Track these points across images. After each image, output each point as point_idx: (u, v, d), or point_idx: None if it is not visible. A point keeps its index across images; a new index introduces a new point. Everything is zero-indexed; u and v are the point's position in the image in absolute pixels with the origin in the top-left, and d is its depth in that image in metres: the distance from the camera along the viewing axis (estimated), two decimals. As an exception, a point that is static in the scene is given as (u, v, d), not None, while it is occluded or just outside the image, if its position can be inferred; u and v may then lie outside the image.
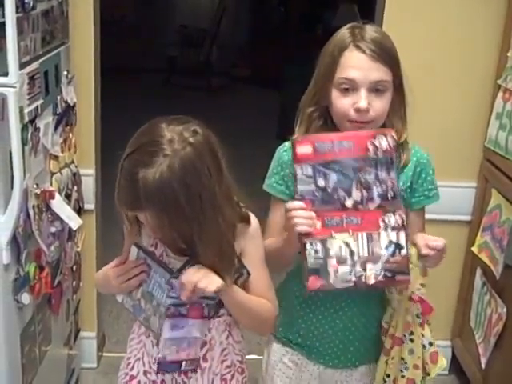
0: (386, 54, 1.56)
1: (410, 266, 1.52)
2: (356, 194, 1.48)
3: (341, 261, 1.48)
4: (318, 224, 1.47)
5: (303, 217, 1.46)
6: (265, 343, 1.88)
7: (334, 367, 1.74)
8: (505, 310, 2.24)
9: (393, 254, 1.48)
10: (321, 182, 1.47)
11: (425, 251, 1.52)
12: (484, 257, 2.44)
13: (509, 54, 2.38)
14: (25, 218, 1.84)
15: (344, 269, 1.48)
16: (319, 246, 1.48)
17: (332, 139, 1.47)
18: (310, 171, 1.47)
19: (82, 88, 2.43)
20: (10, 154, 1.71)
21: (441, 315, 2.77)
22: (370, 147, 1.48)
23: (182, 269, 1.39)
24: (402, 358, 1.62)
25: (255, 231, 1.53)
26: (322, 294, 1.69)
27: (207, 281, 1.37)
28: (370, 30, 1.59)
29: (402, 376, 1.63)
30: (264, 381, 1.84)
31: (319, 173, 1.47)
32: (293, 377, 1.77)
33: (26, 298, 1.85)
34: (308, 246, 1.48)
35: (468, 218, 2.70)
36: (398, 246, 1.49)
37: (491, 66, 2.52)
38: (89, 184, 2.55)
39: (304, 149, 1.47)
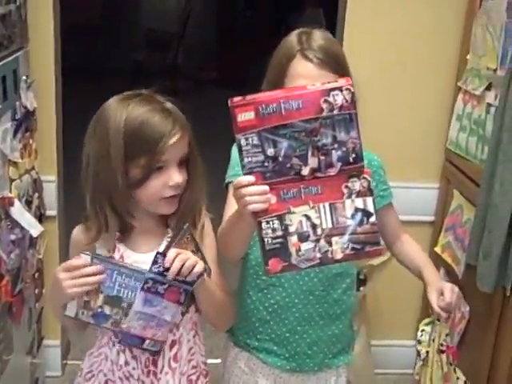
0: (334, 61, 1.55)
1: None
2: (312, 161, 1.31)
3: (302, 237, 1.33)
4: (273, 199, 1.31)
5: (255, 193, 1.30)
6: (222, 348, 1.88)
7: (291, 371, 1.74)
8: (468, 308, 2.26)
9: (360, 223, 1.34)
10: (270, 151, 1.30)
11: (443, 315, 1.52)
12: (447, 257, 2.46)
13: (468, 57, 2.41)
14: (-17, 225, 1.81)
15: (307, 246, 1.34)
16: (276, 224, 1.32)
17: (277, 99, 1.28)
18: (255, 140, 1.29)
19: (42, 93, 2.41)
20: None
21: (405, 314, 2.80)
22: (324, 105, 1.29)
23: (169, 246, 1.36)
24: None
25: (209, 228, 1.55)
26: (280, 293, 1.68)
27: (195, 260, 1.36)
28: (317, 37, 1.58)
29: None
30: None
31: (267, 140, 1.29)
32: (248, 381, 1.77)
33: (-15, 307, 1.82)
34: (264, 225, 1.32)
35: (431, 218, 2.72)
36: (366, 214, 1.34)
37: (452, 68, 2.54)
38: (51, 190, 2.52)
39: (245, 115, 1.28)
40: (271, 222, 1.32)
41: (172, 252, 1.34)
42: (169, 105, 1.45)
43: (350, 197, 1.34)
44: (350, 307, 1.78)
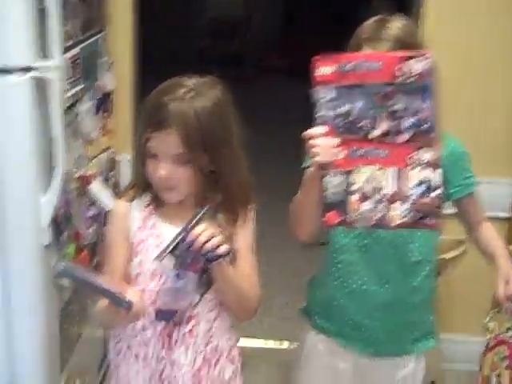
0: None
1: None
2: (383, 125, 1.32)
3: (363, 197, 1.35)
4: (341, 154, 1.33)
5: (324, 145, 1.33)
6: (298, 332, 1.89)
7: (370, 356, 1.74)
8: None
9: (423, 194, 1.34)
10: (344, 108, 1.32)
11: (504, 303, 1.52)
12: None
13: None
14: (65, 200, 1.87)
15: (366, 206, 1.35)
16: (341, 179, 1.35)
17: (358, 58, 1.31)
18: (331, 95, 1.31)
19: (119, 75, 2.46)
20: (52, 138, 1.74)
21: (475, 311, 2.73)
22: (402, 71, 1.30)
23: (186, 228, 1.37)
24: None
25: (252, 215, 1.53)
26: (356, 281, 1.69)
27: (221, 240, 1.36)
28: (392, 26, 1.55)
29: None
30: (299, 368, 1.85)
31: (342, 97, 1.32)
32: (328, 364, 1.78)
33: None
34: (328, 178, 1.35)
35: (506, 214, 2.65)
36: (430, 185, 1.34)
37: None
38: (125, 169, 2.58)
39: (325, 69, 1.31)
40: (336, 177, 1.35)
41: (200, 227, 1.35)
42: (180, 104, 1.38)
43: (417, 166, 1.33)
44: (430, 294, 1.77)
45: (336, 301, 1.73)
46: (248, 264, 1.50)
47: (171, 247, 1.36)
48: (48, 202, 1.75)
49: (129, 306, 1.33)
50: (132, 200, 1.52)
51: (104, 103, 2.29)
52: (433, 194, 1.34)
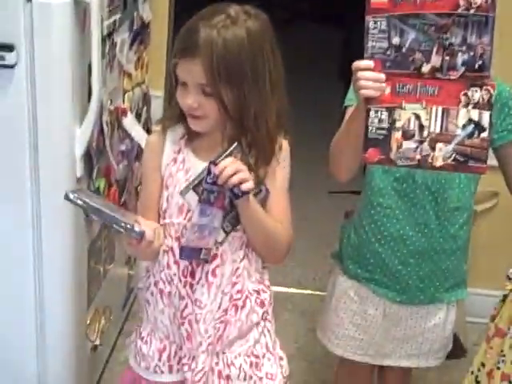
0: None
1: None
2: (436, 59, 1.26)
3: (407, 135, 1.30)
4: (388, 89, 1.28)
5: (371, 79, 1.27)
6: (319, 279, 1.86)
7: (401, 303, 1.73)
8: None
9: (470, 136, 1.29)
10: (395, 40, 1.26)
11: None
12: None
13: None
14: (98, 133, 1.82)
15: (409, 144, 1.30)
16: (385, 115, 1.30)
17: None
18: (383, 25, 1.25)
19: (157, 6, 2.38)
20: (89, 67, 1.68)
21: (503, 266, 2.70)
22: (461, 2, 1.23)
23: (223, 155, 1.32)
24: (502, 351, 1.51)
25: (286, 157, 1.46)
26: (394, 226, 1.65)
27: (247, 176, 1.31)
28: None
29: (498, 368, 1.52)
30: (327, 313, 1.84)
31: (395, 28, 1.25)
32: (357, 310, 1.77)
33: (95, 213, 1.85)
34: (372, 113, 1.30)
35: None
36: (479, 127, 1.28)
37: None
38: (158, 106, 2.51)
39: None
40: (380, 112, 1.30)
41: (227, 160, 1.30)
42: (216, 33, 1.30)
43: (466, 106, 1.28)
44: (466, 243, 1.74)
45: (371, 245, 1.70)
46: (280, 206, 1.45)
47: (196, 182, 1.33)
48: (83, 134, 1.70)
49: (140, 235, 1.32)
50: (165, 130, 1.46)
51: (142, 34, 2.21)
52: (481, 136, 1.29)
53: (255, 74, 1.34)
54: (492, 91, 1.28)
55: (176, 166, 1.45)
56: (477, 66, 1.26)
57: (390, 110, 1.29)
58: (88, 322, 1.97)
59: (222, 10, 1.34)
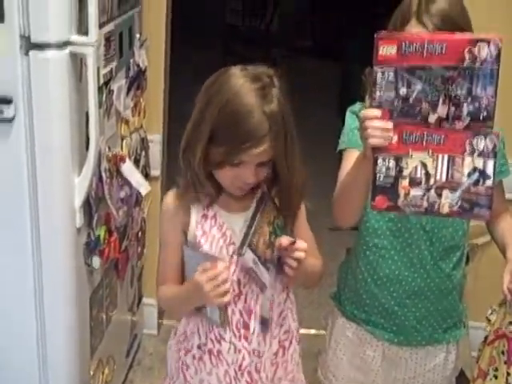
0: (451, 28, 1.44)
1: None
2: (442, 109, 1.29)
3: (414, 183, 1.33)
4: (395, 138, 1.31)
5: (378, 128, 1.30)
6: (325, 318, 1.87)
7: (399, 344, 1.73)
8: None
9: (475, 184, 1.31)
10: (403, 90, 1.29)
11: (508, 296, 1.52)
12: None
13: None
14: (97, 181, 1.82)
15: (416, 192, 1.33)
16: (392, 163, 1.32)
17: (422, 39, 1.27)
18: (391, 76, 1.28)
19: (152, 52, 2.40)
20: (86, 116, 1.69)
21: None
22: (467, 55, 1.26)
23: (254, 217, 1.40)
24: None
25: (303, 215, 1.55)
26: (389, 266, 1.66)
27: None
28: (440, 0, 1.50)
29: None
30: (327, 354, 1.84)
31: (402, 79, 1.28)
32: (356, 351, 1.77)
33: (96, 261, 1.85)
34: (380, 161, 1.32)
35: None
36: (483, 175, 1.31)
37: None
38: (155, 150, 2.52)
39: (388, 49, 1.27)
40: (387, 160, 1.32)
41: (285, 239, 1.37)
42: (274, 106, 1.37)
43: (471, 154, 1.31)
44: (460, 281, 1.75)
45: (367, 286, 1.71)
46: (310, 243, 1.49)
47: (248, 241, 1.36)
48: (81, 184, 1.70)
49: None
50: (183, 195, 1.49)
51: (138, 80, 2.23)
52: (486, 184, 1.31)
53: (291, 130, 1.41)
54: (496, 140, 1.31)
55: (208, 223, 1.47)
56: (481, 116, 1.29)
57: (398, 159, 1.32)
58: (92, 373, 1.95)
59: (253, 81, 1.37)
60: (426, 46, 1.26)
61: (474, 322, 2.67)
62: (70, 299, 1.76)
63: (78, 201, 1.71)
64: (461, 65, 1.27)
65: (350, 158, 1.50)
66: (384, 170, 1.33)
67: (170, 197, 1.53)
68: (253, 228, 1.35)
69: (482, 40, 1.26)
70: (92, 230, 1.83)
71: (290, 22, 7.96)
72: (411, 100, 1.29)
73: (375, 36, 1.29)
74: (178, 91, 3.08)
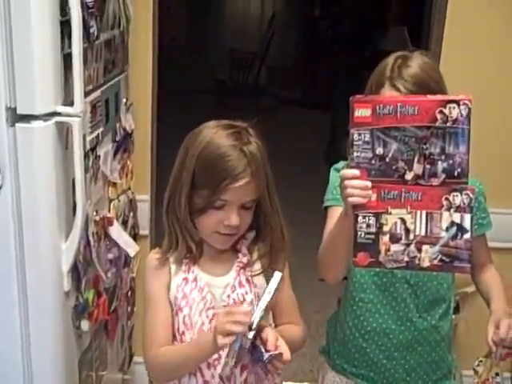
0: (424, 91, 1.51)
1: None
2: (418, 167, 1.34)
3: (394, 239, 1.36)
4: (374, 196, 1.35)
5: (357, 187, 1.34)
6: (317, 371, 1.88)
7: None
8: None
9: (454, 238, 1.35)
10: (379, 150, 1.34)
11: (493, 348, 1.53)
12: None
13: None
14: (85, 245, 1.85)
15: (397, 247, 1.37)
16: (372, 220, 1.36)
17: (395, 102, 1.33)
18: (367, 137, 1.33)
19: (139, 115, 2.45)
20: (73, 182, 1.73)
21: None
22: (438, 116, 1.31)
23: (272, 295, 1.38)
24: None
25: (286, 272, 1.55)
26: (376, 320, 1.68)
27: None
28: (413, 63, 1.57)
29: None
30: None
31: (378, 139, 1.33)
32: None
33: (85, 324, 1.85)
34: (360, 218, 1.36)
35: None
36: (461, 229, 1.35)
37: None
38: (144, 210, 2.56)
39: (363, 112, 1.33)
40: (367, 218, 1.36)
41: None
42: (250, 147, 1.43)
43: (448, 209, 1.35)
44: (448, 333, 1.76)
45: (355, 340, 1.73)
46: (290, 303, 1.55)
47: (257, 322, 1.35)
48: (69, 249, 1.72)
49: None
50: (166, 254, 1.52)
51: (125, 144, 2.28)
52: (464, 237, 1.35)
53: (271, 177, 1.48)
54: (471, 195, 1.35)
55: (189, 286, 1.49)
56: (456, 173, 1.34)
57: (377, 216, 1.36)
58: None
59: (230, 128, 1.45)
60: (399, 108, 1.32)
61: (467, 371, 2.68)
62: (58, 363, 1.76)
63: (66, 266, 1.73)
64: (433, 125, 1.32)
65: (334, 215, 1.54)
66: (364, 227, 1.36)
67: (155, 256, 1.55)
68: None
69: (452, 101, 1.31)
70: (80, 293, 1.84)
71: (277, 75, 8.10)
72: (388, 159, 1.34)
73: (350, 99, 1.34)
74: (166, 150, 3.15)
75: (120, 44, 2.20)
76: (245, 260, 1.52)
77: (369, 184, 1.34)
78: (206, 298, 1.47)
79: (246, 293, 1.50)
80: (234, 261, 1.52)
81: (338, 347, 1.79)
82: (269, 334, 1.36)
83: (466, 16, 2.43)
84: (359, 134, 1.34)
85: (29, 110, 1.58)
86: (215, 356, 1.46)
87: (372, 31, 7.44)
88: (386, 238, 1.36)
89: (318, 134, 6.05)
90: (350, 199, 1.35)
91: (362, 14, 7.81)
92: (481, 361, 1.68)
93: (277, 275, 1.37)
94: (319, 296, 3.38)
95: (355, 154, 1.35)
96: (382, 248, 1.37)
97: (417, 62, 1.58)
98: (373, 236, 1.37)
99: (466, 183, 1.34)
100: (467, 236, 1.35)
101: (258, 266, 1.52)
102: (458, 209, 1.34)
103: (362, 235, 1.37)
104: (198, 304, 1.47)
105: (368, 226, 1.36)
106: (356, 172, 1.35)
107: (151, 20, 2.44)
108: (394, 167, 1.34)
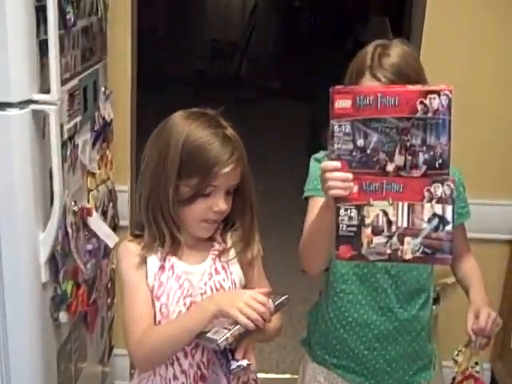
0: (404, 81, 1.50)
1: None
2: (399, 158, 1.33)
3: (376, 231, 1.35)
4: (355, 188, 1.34)
5: (339, 179, 1.33)
6: (298, 362, 1.87)
7: None
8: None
9: (435, 229, 1.35)
10: (360, 142, 1.32)
11: (472, 337, 1.54)
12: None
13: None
14: (63, 235, 1.82)
15: (379, 240, 1.36)
16: (354, 213, 1.35)
17: (375, 93, 1.31)
18: (348, 128, 1.32)
19: (118, 104, 2.43)
20: (50, 171, 1.70)
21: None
22: (419, 106, 1.30)
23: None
24: None
25: (260, 256, 1.58)
26: (357, 311, 1.68)
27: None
28: (392, 52, 1.56)
29: None
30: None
31: (359, 131, 1.32)
32: None
33: (63, 316, 1.83)
34: (342, 211, 1.35)
35: (509, 237, 2.63)
36: (443, 221, 1.34)
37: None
38: (124, 200, 2.53)
39: (343, 103, 1.31)
40: (349, 210, 1.35)
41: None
42: (230, 131, 1.46)
43: (430, 201, 1.34)
44: (428, 322, 1.77)
45: (336, 331, 1.73)
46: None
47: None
48: (46, 239, 1.70)
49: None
50: (149, 250, 1.50)
51: (104, 133, 2.25)
52: (446, 229, 1.34)
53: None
54: (452, 186, 1.34)
55: (165, 274, 1.48)
56: (437, 164, 1.33)
57: (359, 208, 1.35)
58: (60, 429, 1.92)
59: (206, 115, 1.48)
60: (379, 99, 1.30)
61: (447, 362, 2.69)
62: (35, 355, 1.74)
63: (43, 256, 1.70)
64: (414, 116, 1.30)
65: (315, 206, 1.53)
66: (346, 219, 1.35)
67: (132, 247, 1.53)
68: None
69: (432, 92, 1.30)
70: (58, 284, 1.82)
71: (258, 65, 8.08)
72: (369, 150, 1.33)
73: (330, 90, 1.32)
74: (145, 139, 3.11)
75: (98, 32, 2.17)
76: (220, 247, 1.53)
77: (350, 176, 1.33)
78: (184, 285, 1.46)
79: (224, 280, 1.50)
80: (210, 249, 1.53)
81: (319, 338, 1.79)
82: (242, 342, 1.38)
83: (447, 5, 2.43)
84: (340, 126, 1.33)
85: (4, 97, 1.55)
86: (192, 345, 1.46)
87: (353, 22, 7.45)
88: (368, 231, 1.35)
89: (300, 125, 6.04)
90: (331, 192, 1.34)
91: (343, 4, 7.81)
92: (460, 350, 1.69)
93: (285, 298, 1.39)
94: (301, 287, 3.37)
95: (336, 145, 1.33)
96: (365, 241, 1.36)
97: (396, 51, 1.57)
98: (355, 228, 1.35)
99: (448, 174, 1.33)
100: (449, 227, 1.34)
101: (232, 253, 1.53)
102: (440, 200, 1.34)
103: (344, 228, 1.36)
104: (175, 292, 1.46)
105: (350, 218, 1.35)
106: (337, 164, 1.34)
107: (130, 8, 2.41)
108: (375, 159, 1.33)
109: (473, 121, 2.50)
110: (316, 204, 1.54)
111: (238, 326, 1.34)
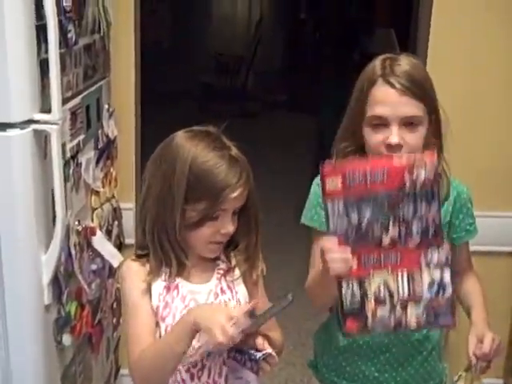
0: (417, 88, 1.50)
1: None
2: (393, 231, 1.36)
3: (379, 302, 1.38)
4: (354, 263, 1.36)
5: (339, 261, 1.35)
6: (307, 382, 1.84)
7: None
8: None
9: (436, 295, 1.38)
10: (354, 218, 1.35)
11: (473, 361, 1.50)
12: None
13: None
14: (66, 256, 1.80)
15: (383, 311, 1.38)
16: (356, 287, 1.37)
17: (364, 169, 1.34)
18: (341, 206, 1.35)
19: (122, 121, 2.40)
20: (52, 191, 1.68)
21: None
22: (407, 180, 1.34)
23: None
24: None
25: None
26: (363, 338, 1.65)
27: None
28: (402, 63, 1.54)
29: None
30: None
31: (352, 207, 1.35)
32: None
33: (67, 339, 1.81)
34: (344, 286, 1.37)
35: (512, 249, 2.59)
36: (443, 285, 1.38)
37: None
38: (129, 218, 2.50)
39: (333, 183, 1.35)
40: (351, 285, 1.38)
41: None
42: (235, 151, 1.44)
43: (427, 267, 1.38)
44: (439, 342, 1.73)
45: (346, 353, 1.69)
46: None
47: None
48: (49, 260, 1.68)
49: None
50: (156, 275, 1.47)
51: (108, 150, 2.23)
52: (446, 294, 1.38)
53: None
54: (448, 251, 1.38)
55: (170, 295, 1.45)
56: (430, 233, 1.37)
57: (360, 281, 1.37)
58: None
59: (212, 137, 1.44)
60: (368, 176, 1.34)
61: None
62: (39, 380, 1.71)
63: (46, 278, 1.68)
64: (402, 188, 1.34)
65: (318, 244, 1.50)
66: (349, 293, 1.38)
67: (135, 266, 1.49)
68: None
69: (418, 164, 1.33)
70: (62, 306, 1.80)
71: (264, 78, 8.08)
72: (363, 225, 1.35)
73: (320, 168, 1.35)
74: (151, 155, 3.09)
75: (101, 49, 2.15)
76: (224, 266, 1.51)
77: (349, 256, 1.34)
78: (190, 306, 1.43)
79: (229, 299, 1.48)
80: (214, 267, 1.50)
81: (328, 360, 1.75)
82: (257, 337, 1.37)
83: (452, 17, 2.40)
84: (333, 205, 1.35)
85: (4, 117, 1.54)
86: (198, 366, 1.44)
87: (358, 34, 7.44)
88: (371, 303, 1.38)
89: (306, 138, 6.00)
90: (332, 272, 1.36)
91: (348, 16, 7.81)
92: (460, 375, 1.65)
93: (289, 297, 1.34)
94: (309, 303, 3.34)
95: (331, 225, 1.36)
96: (369, 313, 1.38)
97: (406, 61, 1.55)
98: (359, 302, 1.38)
99: (442, 239, 1.37)
100: (449, 291, 1.38)
101: (237, 272, 1.51)
102: (437, 265, 1.37)
103: (348, 303, 1.38)
104: (181, 312, 1.42)
105: (352, 292, 1.38)
106: (334, 242, 1.35)
107: (133, 24, 2.39)
108: (370, 233, 1.36)
109: (477, 133, 2.47)
110: (319, 239, 1.52)
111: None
